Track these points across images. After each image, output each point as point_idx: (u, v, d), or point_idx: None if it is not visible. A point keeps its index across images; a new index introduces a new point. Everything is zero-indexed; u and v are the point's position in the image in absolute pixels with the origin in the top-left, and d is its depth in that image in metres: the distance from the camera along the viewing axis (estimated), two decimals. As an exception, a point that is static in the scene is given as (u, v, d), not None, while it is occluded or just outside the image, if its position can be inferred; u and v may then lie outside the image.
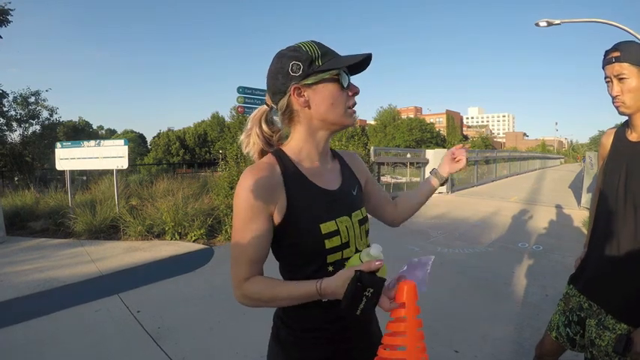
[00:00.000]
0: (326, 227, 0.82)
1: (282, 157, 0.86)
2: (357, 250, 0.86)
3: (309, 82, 0.82)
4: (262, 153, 0.92)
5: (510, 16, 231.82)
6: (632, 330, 1.11)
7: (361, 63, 0.84)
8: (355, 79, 0.88)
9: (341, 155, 1.01)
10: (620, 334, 1.13)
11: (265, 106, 0.91)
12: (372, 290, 0.69)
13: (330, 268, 0.83)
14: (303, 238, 0.82)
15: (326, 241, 0.82)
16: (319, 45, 0.84)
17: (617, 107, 1.16)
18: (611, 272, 1.20)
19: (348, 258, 0.82)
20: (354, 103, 0.87)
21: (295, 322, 0.87)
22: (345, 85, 0.84)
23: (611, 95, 1.17)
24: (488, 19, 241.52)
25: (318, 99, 0.83)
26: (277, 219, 0.81)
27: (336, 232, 0.84)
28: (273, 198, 0.80)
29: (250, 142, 0.92)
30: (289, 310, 0.85)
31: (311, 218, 0.82)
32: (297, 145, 0.88)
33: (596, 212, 1.32)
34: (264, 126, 0.91)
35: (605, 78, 1.17)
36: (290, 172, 0.84)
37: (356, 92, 0.87)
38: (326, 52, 0.83)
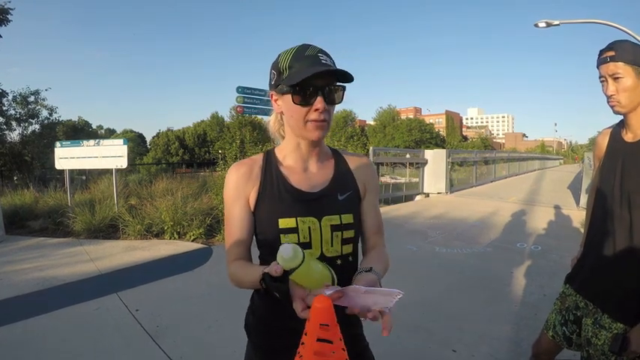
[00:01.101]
0: (284, 222, 0.86)
1: (269, 155, 0.95)
2: (322, 254, 0.87)
3: (277, 91, 0.86)
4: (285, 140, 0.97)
5: (510, 17, 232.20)
6: (628, 329, 1.12)
7: (344, 74, 0.82)
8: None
9: (346, 159, 0.99)
10: (616, 333, 1.13)
11: None
12: (276, 293, 0.69)
13: None
14: (263, 228, 0.90)
15: (282, 236, 0.85)
16: (298, 52, 0.83)
17: (612, 107, 1.17)
18: (607, 271, 1.20)
19: None
20: (318, 119, 0.83)
21: (260, 311, 0.94)
22: (301, 101, 0.82)
23: (605, 95, 1.17)
24: (487, 19, 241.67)
25: (285, 109, 0.87)
26: (251, 206, 0.91)
27: (294, 230, 0.85)
28: (249, 186, 0.90)
29: (274, 126, 0.97)
30: (256, 299, 0.96)
31: (272, 211, 0.88)
32: (283, 145, 0.95)
33: (592, 212, 1.33)
34: (279, 116, 0.95)
35: (600, 77, 1.18)
36: (269, 168, 0.92)
37: (317, 109, 0.81)
38: (296, 63, 0.81)
